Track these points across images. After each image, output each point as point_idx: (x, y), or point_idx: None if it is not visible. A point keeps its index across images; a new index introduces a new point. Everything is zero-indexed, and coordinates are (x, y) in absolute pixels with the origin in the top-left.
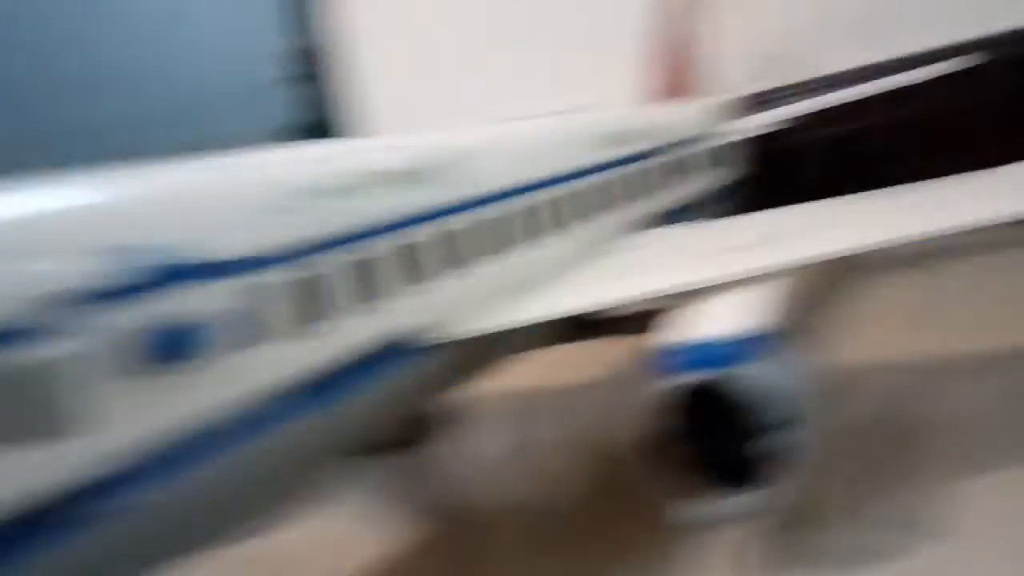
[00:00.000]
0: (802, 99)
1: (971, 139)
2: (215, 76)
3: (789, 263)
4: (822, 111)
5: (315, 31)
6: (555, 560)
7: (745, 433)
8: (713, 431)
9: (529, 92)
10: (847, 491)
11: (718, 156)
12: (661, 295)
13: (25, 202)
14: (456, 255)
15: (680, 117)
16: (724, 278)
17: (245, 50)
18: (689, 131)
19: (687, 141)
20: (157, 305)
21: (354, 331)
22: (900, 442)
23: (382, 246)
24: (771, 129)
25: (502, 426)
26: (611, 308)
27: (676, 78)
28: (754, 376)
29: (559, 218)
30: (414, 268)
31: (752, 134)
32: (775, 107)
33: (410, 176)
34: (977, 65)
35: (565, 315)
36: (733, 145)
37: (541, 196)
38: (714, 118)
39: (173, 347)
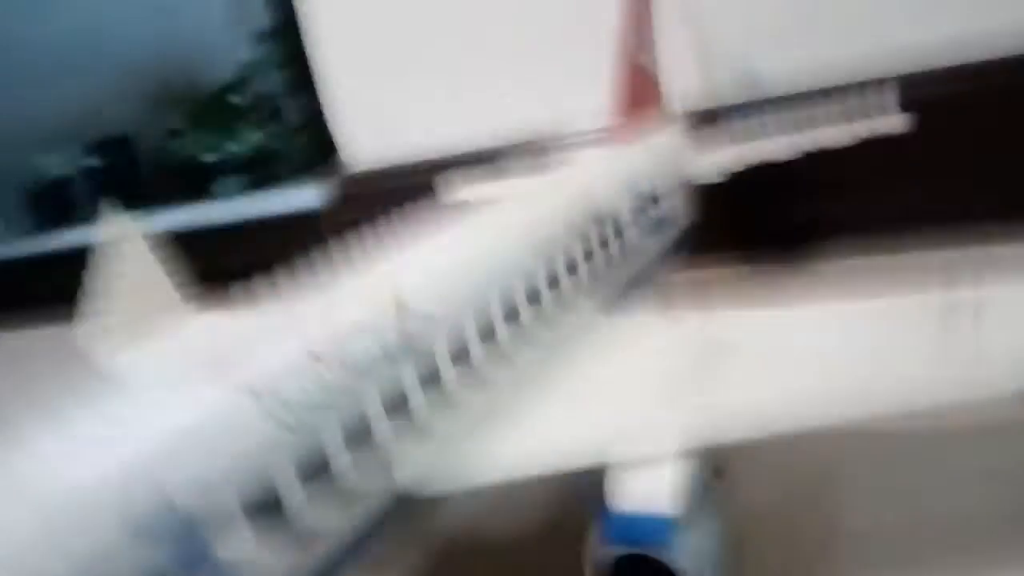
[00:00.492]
0: (759, 133)
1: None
2: None
3: None
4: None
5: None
6: None
7: None
8: None
9: (498, 101)
10: None
11: (673, 212)
12: None
13: None
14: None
15: (642, 164)
16: None
17: None
18: (646, 187)
19: (644, 201)
20: None
21: None
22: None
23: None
24: (724, 174)
25: None
26: None
27: (635, 92)
28: (678, 552)
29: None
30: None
31: (705, 180)
32: (729, 134)
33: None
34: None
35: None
36: (688, 191)
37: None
38: (672, 155)
39: None
